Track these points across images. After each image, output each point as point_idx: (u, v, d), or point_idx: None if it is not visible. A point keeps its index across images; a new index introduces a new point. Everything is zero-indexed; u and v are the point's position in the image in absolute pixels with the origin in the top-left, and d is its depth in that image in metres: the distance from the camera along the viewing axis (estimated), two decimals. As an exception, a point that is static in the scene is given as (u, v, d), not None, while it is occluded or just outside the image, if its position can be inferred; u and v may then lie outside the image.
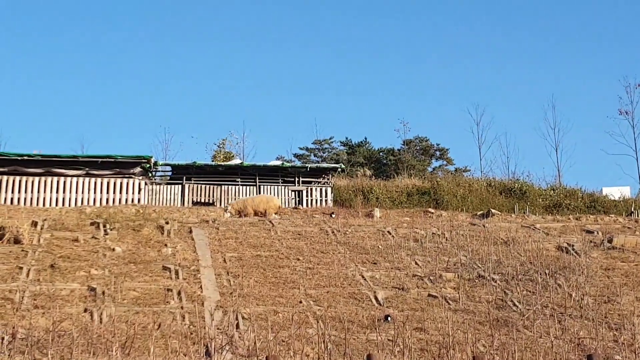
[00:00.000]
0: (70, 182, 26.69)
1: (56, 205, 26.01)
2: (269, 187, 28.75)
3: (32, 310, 14.77)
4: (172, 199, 27.87)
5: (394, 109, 71.22)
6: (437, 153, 49.00)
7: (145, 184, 27.42)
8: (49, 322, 13.43)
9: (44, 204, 26.02)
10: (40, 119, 66.68)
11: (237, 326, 14.43)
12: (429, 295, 17.23)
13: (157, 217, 23.42)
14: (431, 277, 18.41)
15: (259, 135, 73.49)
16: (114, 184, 26.97)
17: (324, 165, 32.82)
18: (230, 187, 28.49)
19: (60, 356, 12.00)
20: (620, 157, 57.45)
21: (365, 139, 49.64)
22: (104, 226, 21.66)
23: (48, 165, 26.86)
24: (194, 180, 28.47)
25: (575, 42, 75.69)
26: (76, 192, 26.60)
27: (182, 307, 15.48)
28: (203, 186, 28.34)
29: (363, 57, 75.80)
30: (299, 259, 19.42)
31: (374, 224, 24.13)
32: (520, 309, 16.46)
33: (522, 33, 75.93)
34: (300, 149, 49.11)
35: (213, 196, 28.15)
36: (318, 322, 14.63)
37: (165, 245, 20.09)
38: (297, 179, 29.31)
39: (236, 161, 32.02)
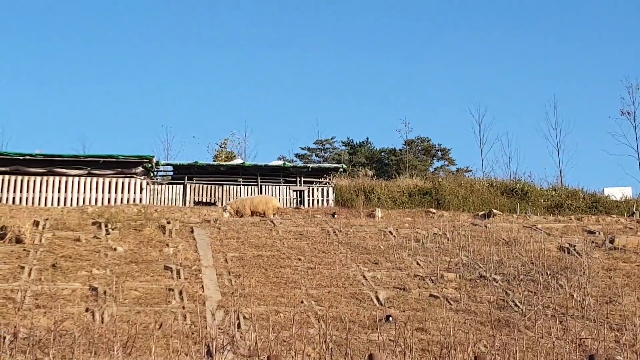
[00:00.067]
0: (72, 181, 26.71)
1: (58, 204, 26.03)
2: (270, 187, 28.77)
3: (34, 309, 14.78)
4: (174, 198, 27.90)
5: (396, 109, 71.29)
6: (439, 153, 49.03)
7: (147, 183, 27.43)
8: (50, 322, 13.44)
9: (45, 204, 26.05)
10: (42, 118, 66.80)
11: (239, 326, 14.43)
12: (431, 295, 17.22)
13: (159, 217, 23.43)
14: (432, 278, 18.40)
15: (261, 135, 73.66)
16: (116, 183, 26.99)
17: (326, 165, 32.84)
18: (231, 187, 28.50)
19: (61, 356, 12.01)
20: (622, 158, 57.55)
21: (367, 139, 49.72)
22: (106, 226, 21.67)
23: (50, 165, 26.89)
24: (196, 180, 28.49)
25: (577, 42, 75.69)
26: (78, 192, 26.63)
27: (183, 307, 15.48)
28: (205, 186, 28.36)
29: (365, 57, 75.87)
30: (300, 259, 19.42)
31: (375, 224, 24.13)
32: (521, 310, 16.45)
33: (524, 33, 75.95)
34: (302, 149, 49.19)
35: (215, 196, 28.17)
36: (319, 322, 14.63)
37: (167, 245, 20.10)
38: (298, 179, 29.32)
39: (238, 161, 32.06)
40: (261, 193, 28.11)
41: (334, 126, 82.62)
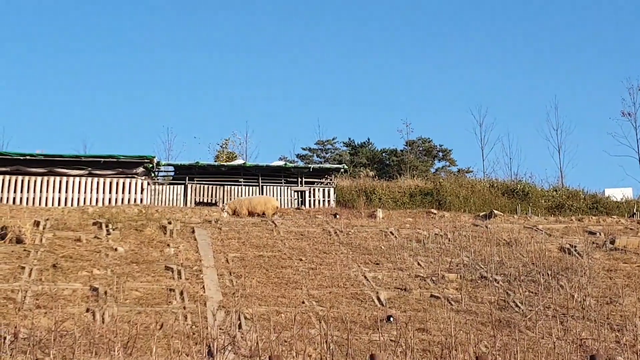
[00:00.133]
0: (73, 182, 26.71)
1: (58, 205, 26.03)
2: (271, 187, 28.77)
3: (34, 310, 14.78)
4: (175, 199, 27.90)
5: (397, 109, 71.36)
6: (440, 154, 49.01)
7: (148, 184, 27.43)
8: (51, 322, 13.43)
9: (46, 204, 26.04)
10: (43, 118, 66.83)
11: (240, 326, 14.43)
12: (432, 295, 17.22)
13: (160, 217, 23.43)
14: (433, 278, 18.40)
15: (262, 135, 73.58)
16: (117, 183, 26.99)
17: (327, 165, 32.82)
18: (233, 187, 28.50)
19: (62, 356, 12.00)
20: (623, 159, 57.52)
21: (368, 139, 49.70)
22: (107, 226, 21.67)
23: (50, 165, 26.89)
24: (197, 181, 28.49)
25: (578, 43, 75.67)
26: (79, 192, 26.62)
27: (184, 307, 15.48)
28: (206, 186, 28.35)
29: (366, 58, 75.87)
30: (301, 260, 19.41)
31: (376, 224, 24.13)
32: (522, 310, 16.44)
33: (525, 34, 75.92)
34: (303, 149, 49.16)
35: (216, 196, 28.16)
36: (320, 322, 14.63)
37: (168, 245, 20.09)
38: (299, 180, 29.32)
39: (239, 161, 32.04)
40: (262, 193, 28.10)
41: (335, 127, 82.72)
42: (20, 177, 26.36)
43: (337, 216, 25.32)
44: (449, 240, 22.11)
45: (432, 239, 22.00)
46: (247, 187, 28.53)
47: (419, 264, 19.64)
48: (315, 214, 25.90)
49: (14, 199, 25.99)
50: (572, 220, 26.15)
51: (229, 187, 28.47)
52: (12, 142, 58.67)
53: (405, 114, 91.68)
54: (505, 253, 20.48)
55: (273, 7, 79.68)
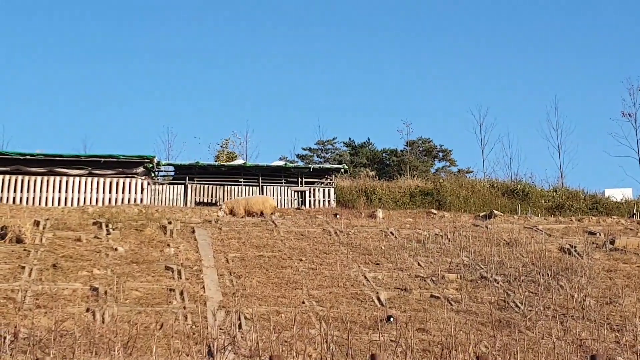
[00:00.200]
0: (73, 181, 26.70)
1: (58, 204, 26.03)
2: (271, 187, 28.77)
3: (34, 309, 14.78)
4: (175, 199, 27.90)
5: (397, 110, 71.37)
6: (440, 154, 49.00)
7: (148, 183, 27.43)
8: (51, 322, 13.43)
9: (46, 204, 26.04)
10: (43, 118, 66.83)
11: (240, 326, 14.43)
12: (432, 296, 17.22)
13: (160, 217, 23.43)
14: (434, 278, 18.40)
15: (262, 135, 73.49)
16: (117, 183, 26.99)
17: (327, 165, 32.83)
18: (233, 187, 28.50)
19: (62, 356, 12.00)
20: (623, 159, 57.47)
21: (368, 139, 49.68)
22: (107, 226, 21.67)
23: (50, 164, 26.89)
24: (197, 181, 28.50)
25: (578, 43, 75.69)
26: (79, 192, 26.61)
27: (184, 307, 15.49)
28: (206, 186, 28.36)
29: (366, 58, 75.88)
30: (301, 260, 19.42)
31: (376, 224, 24.13)
32: (522, 310, 16.45)
33: (525, 34, 75.94)
34: (303, 149, 49.13)
35: (216, 196, 28.16)
36: (320, 322, 14.64)
37: (168, 245, 20.10)
38: (300, 180, 29.33)
39: (239, 161, 32.04)
40: (262, 194, 28.10)
41: (335, 127, 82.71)
42: (20, 177, 26.36)
43: (338, 216, 25.33)
44: (449, 240, 22.12)
45: (432, 239, 22.01)
46: (247, 187, 28.53)
47: (419, 264, 19.65)
48: (315, 214, 25.91)
49: (14, 198, 25.99)
50: (572, 220, 26.16)
51: (229, 187, 28.47)
52: (12, 142, 58.70)
53: (406, 114, 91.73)
54: (505, 253, 20.48)
55: (273, 8, 79.75)
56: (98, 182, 26.87)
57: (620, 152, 58.13)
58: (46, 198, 26.28)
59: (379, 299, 16.79)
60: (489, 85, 71.14)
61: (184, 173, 28.76)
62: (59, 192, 26.46)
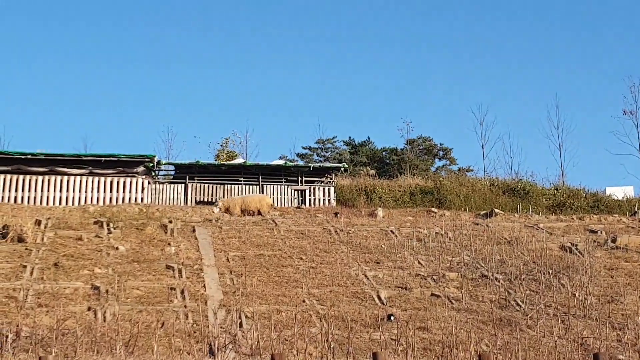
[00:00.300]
0: (74, 181, 26.72)
1: (60, 204, 26.05)
2: (272, 186, 28.77)
3: (36, 308, 14.80)
4: (175, 198, 27.90)
5: (397, 108, 71.25)
6: (440, 153, 48.97)
7: (149, 183, 27.45)
8: (52, 321, 13.45)
9: (47, 203, 26.06)
10: (44, 118, 66.84)
11: (241, 325, 14.45)
12: (432, 294, 17.23)
13: (161, 216, 23.46)
14: (434, 277, 18.41)
15: (262, 134, 73.57)
16: (117, 183, 27.01)
17: (327, 164, 32.80)
18: (233, 186, 28.50)
19: (64, 354, 12.02)
20: (624, 157, 57.50)
21: (368, 138, 49.64)
22: (108, 225, 21.70)
23: (51, 164, 26.89)
24: (197, 180, 28.50)
25: (579, 41, 75.64)
26: (80, 191, 26.62)
27: (185, 306, 15.51)
28: (206, 185, 28.36)
29: (366, 56, 75.84)
30: (302, 258, 19.43)
31: (377, 223, 24.14)
32: (523, 309, 16.46)
33: (526, 32, 75.91)
34: (303, 148, 49.11)
35: (216, 195, 28.16)
36: (321, 321, 14.65)
37: (169, 244, 20.12)
38: (300, 179, 29.33)
39: (239, 160, 32.03)
40: (262, 192, 28.10)
41: (335, 126, 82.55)
42: (21, 177, 26.37)
43: (338, 215, 25.34)
44: (450, 239, 22.13)
45: (433, 238, 22.02)
46: (247, 186, 28.54)
47: (419, 262, 19.66)
48: (315, 213, 25.92)
49: (16, 198, 26.00)
50: (573, 218, 26.16)
51: (229, 186, 28.47)
52: (13, 142, 58.53)
53: (406, 112, 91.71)
54: (506, 252, 20.50)
55: (273, 6, 79.73)
56: (99, 182, 26.88)
57: (622, 150, 58.13)
58: (47, 197, 26.29)
59: (379, 298, 16.80)
60: (490, 84, 71.13)
61: (184, 172, 28.77)
62: (60, 191, 26.47)
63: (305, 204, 28.52)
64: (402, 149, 47.05)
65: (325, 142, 49.27)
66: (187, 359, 11.95)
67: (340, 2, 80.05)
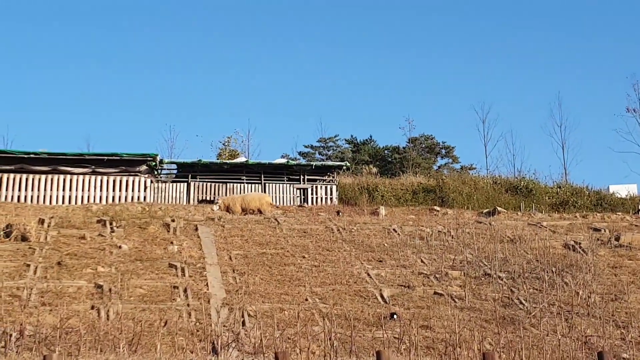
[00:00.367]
0: (77, 180, 26.73)
1: (62, 203, 26.07)
2: (274, 185, 28.77)
3: (40, 307, 14.83)
4: (178, 196, 27.91)
5: (400, 106, 71.27)
6: (443, 151, 48.95)
7: (151, 182, 27.46)
8: (56, 319, 13.48)
9: (50, 202, 26.09)
10: (47, 117, 66.90)
11: (243, 323, 14.46)
12: (435, 293, 17.23)
13: (163, 214, 23.47)
14: (437, 275, 18.40)
15: (264, 133, 73.37)
16: (120, 181, 27.02)
17: (329, 163, 32.80)
18: (235, 185, 28.50)
19: (67, 353, 12.03)
20: (628, 155, 57.41)
21: (371, 136, 49.64)
22: (111, 224, 21.71)
23: (54, 163, 26.92)
24: (200, 178, 28.51)
25: (582, 39, 75.51)
26: (82, 190, 26.65)
27: (188, 305, 15.52)
28: (208, 184, 28.37)
29: (368, 54, 75.81)
30: (304, 257, 19.43)
31: (379, 221, 24.13)
32: (526, 307, 16.44)
33: (528, 30, 75.79)
34: (306, 147, 49.11)
35: (218, 194, 28.16)
36: (324, 319, 14.64)
37: (171, 242, 20.13)
38: (302, 177, 29.32)
39: (241, 159, 32.04)
40: (265, 191, 28.10)
41: (337, 124, 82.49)
42: (24, 175, 26.40)
43: (340, 213, 25.33)
44: (452, 237, 22.11)
45: (436, 236, 22.01)
46: (249, 185, 28.53)
47: (422, 261, 19.65)
48: (317, 212, 25.91)
49: (19, 197, 26.03)
50: (576, 217, 26.13)
51: (231, 184, 28.47)
52: (16, 141, 58.58)
53: (408, 110, 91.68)
54: (509, 250, 20.48)
55: (274, 4, 79.71)
56: (102, 181, 26.90)
57: (625, 148, 58.10)
58: (50, 196, 26.32)
59: (382, 296, 16.80)
60: (492, 82, 71.03)
61: (187, 171, 28.78)
62: (63, 190, 26.49)
63: (307, 203, 28.51)
64: (404, 148, 47.03)
65: (327, 141, 49.26)
66: (190, 357, 11.96)
67: (341, 2, 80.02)
